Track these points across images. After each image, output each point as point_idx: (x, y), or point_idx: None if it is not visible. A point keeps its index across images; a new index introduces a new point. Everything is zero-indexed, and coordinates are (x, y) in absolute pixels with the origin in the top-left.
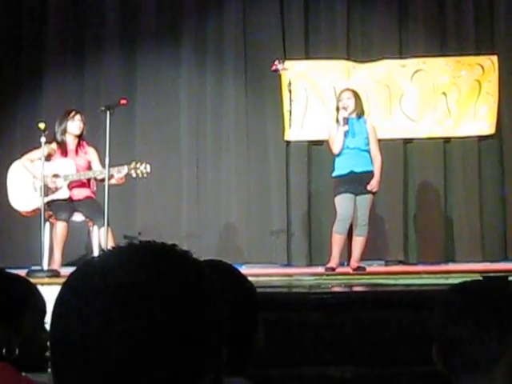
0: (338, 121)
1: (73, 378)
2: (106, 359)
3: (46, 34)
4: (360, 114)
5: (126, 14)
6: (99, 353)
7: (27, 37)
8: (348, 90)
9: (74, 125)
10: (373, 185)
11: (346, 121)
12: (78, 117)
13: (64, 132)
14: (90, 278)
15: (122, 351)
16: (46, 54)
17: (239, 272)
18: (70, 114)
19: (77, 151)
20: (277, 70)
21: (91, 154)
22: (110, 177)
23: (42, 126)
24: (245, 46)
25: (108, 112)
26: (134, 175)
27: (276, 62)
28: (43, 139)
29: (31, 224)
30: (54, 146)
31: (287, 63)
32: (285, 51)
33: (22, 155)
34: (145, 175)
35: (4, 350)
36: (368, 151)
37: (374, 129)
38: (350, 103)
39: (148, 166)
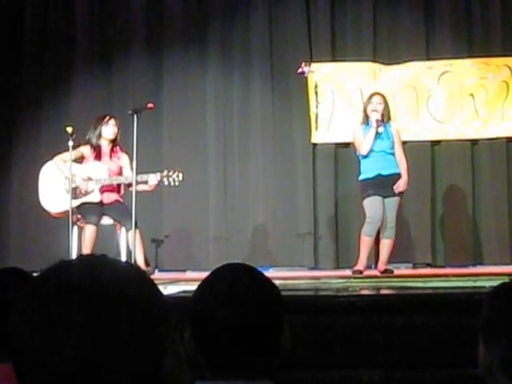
0: (364, 123)
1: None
2: (66, 362)
3: (73, 38)
4: (387, 119)
5: (152, 18)
6: (59, 356)
7: (54, 41)
8: (379, 94)
9: (108, 130)
10: (399, 185)
11: (380, 123)
12: (112, 122)
13: (99, 136)
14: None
15: (81, 355)
16: (73, 59)
17: (263, 275)
18: (104, 118)
19: (110, 156)
20: (303, 73)
21: (124, 159)
22: (144, 182)
23: (69, 129)
24: (271, 48)
25: (135, 116)
26: (166, 183)
27: (302, 65)
28: (71, 143)
29: (59, 228)
30: (82, 149)
31: (313, 66)
32: (311, 54)
33: (52, 157)
34: (177, 183)
35: None
36: (393, 154)
37: (398, 132)
38: (380, 108)
39: (180, 175)
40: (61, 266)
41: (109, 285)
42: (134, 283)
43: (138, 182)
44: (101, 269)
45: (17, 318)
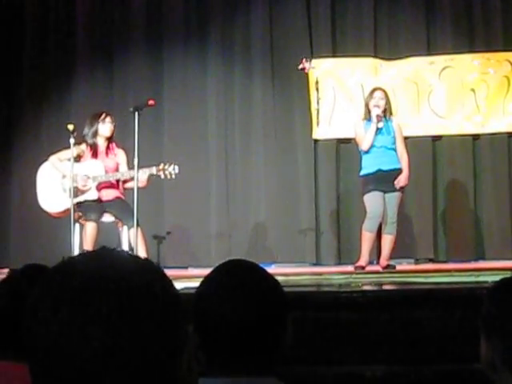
0: (365, 118)
1: (44, 376)
2: (76, 360)
3: (74, 36)
4: (389, 114)
5: (152, 15)
6: (69, 354)
7: (56, 38)
8: (380, 89)
9: (105, 127)
10: (400, 180)
11: (381, 118)
12: (108, 119)
13: (95, 134)
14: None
15: (90, 353)
16: (74, 56)
17: (266, 271)
18: (100, 116)
19: (107, 153)
20: (304, 69)
21: (120, 156)
22: (133, 179)
23: (70, 127)
24: (272, 44)
25: (136, 113)
26: (162, 176)
27: (303, 61)
28: (72, 140)
29: (61, 225)
30: (82, 147)
31: (314, 61)
32: (312, 49)
33: (49, 156)
34: (173, 176)
35: None
36: (394, 149)
37: (399, 127)
38: (382, 103)
39: (176, 167)
40: (72, 261)
41: (130, 279)
42: (153, 278)
43: (130, 179)
44: (119, 262)
45: (30, 315)
